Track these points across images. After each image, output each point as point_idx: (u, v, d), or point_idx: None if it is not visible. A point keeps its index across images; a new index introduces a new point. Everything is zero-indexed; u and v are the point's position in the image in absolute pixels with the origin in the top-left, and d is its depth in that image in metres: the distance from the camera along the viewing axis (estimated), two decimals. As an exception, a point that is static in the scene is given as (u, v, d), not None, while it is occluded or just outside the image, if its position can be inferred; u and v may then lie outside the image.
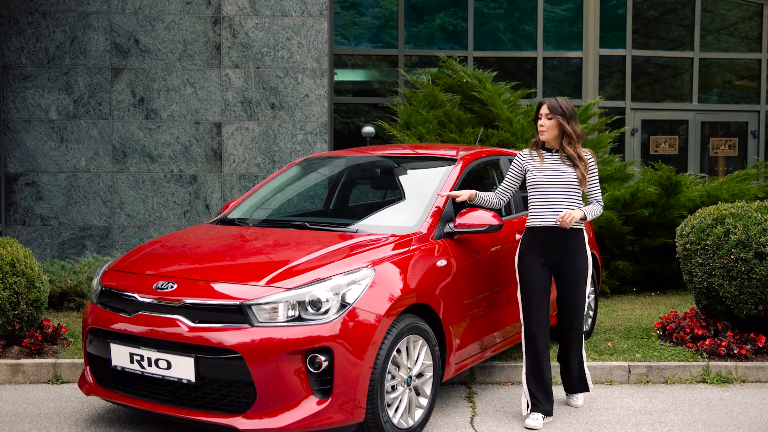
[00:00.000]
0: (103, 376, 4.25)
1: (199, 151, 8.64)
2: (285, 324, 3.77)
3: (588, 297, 6.31)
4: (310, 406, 3.74)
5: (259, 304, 3.80)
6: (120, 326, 4.07)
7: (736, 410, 4.79)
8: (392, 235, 4.42)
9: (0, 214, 8.50)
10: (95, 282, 4.48)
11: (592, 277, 6.38)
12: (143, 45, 8.57)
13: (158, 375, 3.93)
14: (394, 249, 4.27)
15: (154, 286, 4.05)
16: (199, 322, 3.85)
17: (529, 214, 4.62)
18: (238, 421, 3.75)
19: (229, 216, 5.28)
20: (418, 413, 4.22)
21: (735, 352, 5.48)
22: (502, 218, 5.15)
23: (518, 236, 5.29)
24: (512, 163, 4.73)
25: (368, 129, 10.58)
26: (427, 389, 4.26)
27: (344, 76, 10.89)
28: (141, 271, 4.30)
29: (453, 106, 8.42)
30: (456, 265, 4.58)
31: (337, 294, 3.85)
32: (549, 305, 4.61)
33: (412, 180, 5.42)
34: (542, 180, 4.54)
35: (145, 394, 4.04)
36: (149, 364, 3.94)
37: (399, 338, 4.01)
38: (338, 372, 3.75)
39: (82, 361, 5.27)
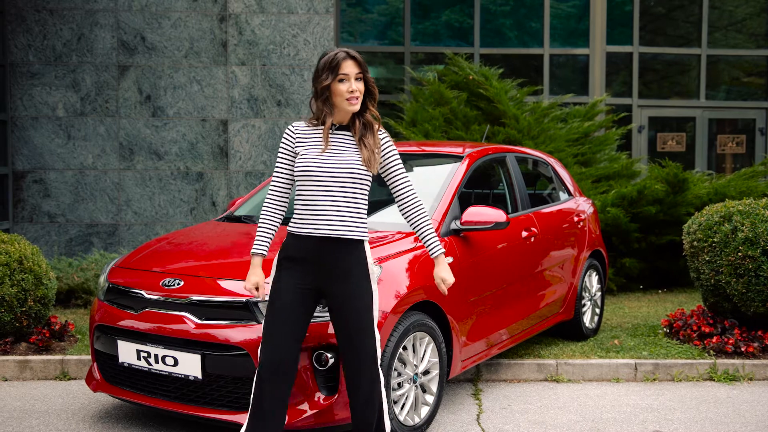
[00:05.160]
0: (110, 373, 4.26)
1: (205, 149, 8.65)
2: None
3: (595, 295, 6.30)
4: (316, 403, 3.75)
5: (266, 301, 3.80)
6: (127, 323, 4.08)
7: (743, 408, 4.78)
8: (398, 232, 4.42)
9: (8, 211, 8.53)
10: (102, 279, 4.49)
11: (598, 273, 6.37)
12: (150, 42, 8.58)
13: (165, 372, 3.94)
14: (400, 246, 4.27)
15: (160, 283, 4.06)
16: (206, 319, 3.86)
17: (294, 214, 3.42)
18: (245, 418, 3.75)
19: (235, 213, 5.29)
20: (424, 410, 4.22)
21: (742, 349, 5.47)
22: (509, 215, 5.15)
23: (524, 233, 5.29)
24: (281, 148, 3.46)
25: (374, 126, 10.56)
26: (434, 386, 4.26)
27: (350, 73, 10.86)
28: (148, 268, 4.31)
29: (459, 103, 8.41)
30: (462, 262, 4.58)
31: (343, 291, 3.84)
32: (296, 341, 3.41)
33: (418, 177, 5.41)
34: (320, 168, 3.32)
35: (151, 391, 4.05)
36: (156, 361, 3.95)
37: (405, 335, 4.01)
38: (344, 369, 3.75)
39: (89, 357, 5.29)
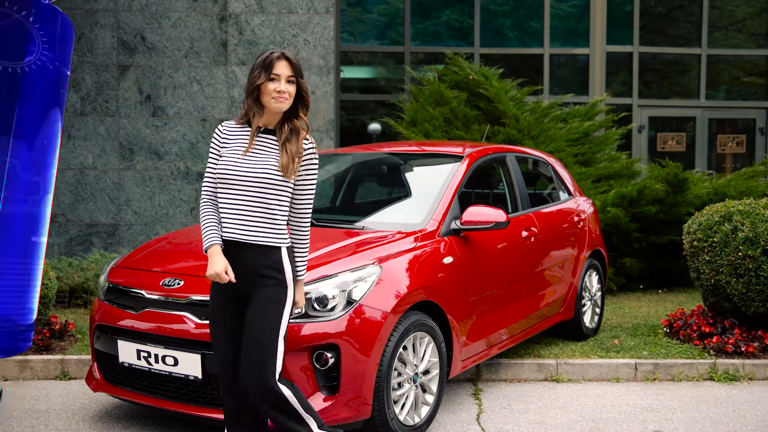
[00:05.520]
0: (110, 373, 4.26)
1: (205, 149, 8.65)
2: (291, 321, 3.77)
3: (595, 294, 6.31)
4: (316, 402, 3.74)
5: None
6: (127, 323, 4.08)
7: (743, 408, 4.78)
8: (399, 232, 4.42)
9: (8, 211, 8.52)
10: (102, 279, 4.49)
11: (598, 273, 6.36)
12: (150, 42, 8.58)
13: (165, 371, 3.94)
14: (400, 246, 4.27)
15: (161, 283, 4.06)
16: (206, 319, 3.86)
17: (222, 218, 3.30)
18: (245, 418, 3.75)
19: (235, 213, 5.28)
20: (425, 410, 4.22)
21: (742, 349, 5.47)
22: (509, 215, 5.15)
23: (524, 233, 5.29)
24: (210, 148, 3.37)
25: (374, 126, 10.58)
26: (434, 386, 4.27)
27: (350, 73, 10.88)
28: (148, 268, 4.31)
29: (459, 103, 8.41)
30: (462, 262, 4.58)
31: (343, 291, 3.85)
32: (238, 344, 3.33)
33: (418, 177, 5.42)
34: (234, 170, 3.22)
35: (152, 391, 4.05)
36: (156, 361, 3.95)
37: (405, 335, 4.01)
38: (345, 369, 3.75)
39: (89, 357, 5.29)
